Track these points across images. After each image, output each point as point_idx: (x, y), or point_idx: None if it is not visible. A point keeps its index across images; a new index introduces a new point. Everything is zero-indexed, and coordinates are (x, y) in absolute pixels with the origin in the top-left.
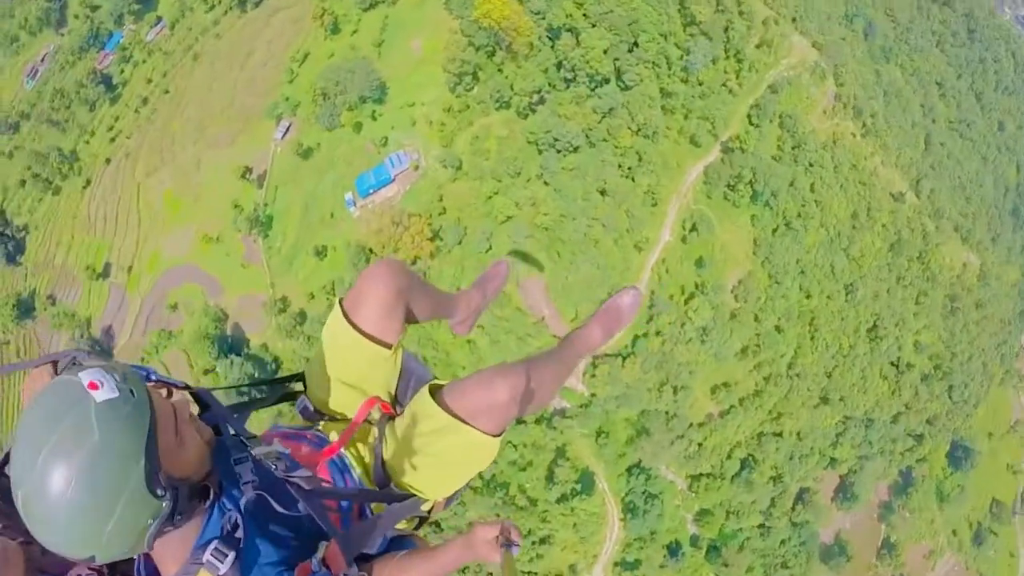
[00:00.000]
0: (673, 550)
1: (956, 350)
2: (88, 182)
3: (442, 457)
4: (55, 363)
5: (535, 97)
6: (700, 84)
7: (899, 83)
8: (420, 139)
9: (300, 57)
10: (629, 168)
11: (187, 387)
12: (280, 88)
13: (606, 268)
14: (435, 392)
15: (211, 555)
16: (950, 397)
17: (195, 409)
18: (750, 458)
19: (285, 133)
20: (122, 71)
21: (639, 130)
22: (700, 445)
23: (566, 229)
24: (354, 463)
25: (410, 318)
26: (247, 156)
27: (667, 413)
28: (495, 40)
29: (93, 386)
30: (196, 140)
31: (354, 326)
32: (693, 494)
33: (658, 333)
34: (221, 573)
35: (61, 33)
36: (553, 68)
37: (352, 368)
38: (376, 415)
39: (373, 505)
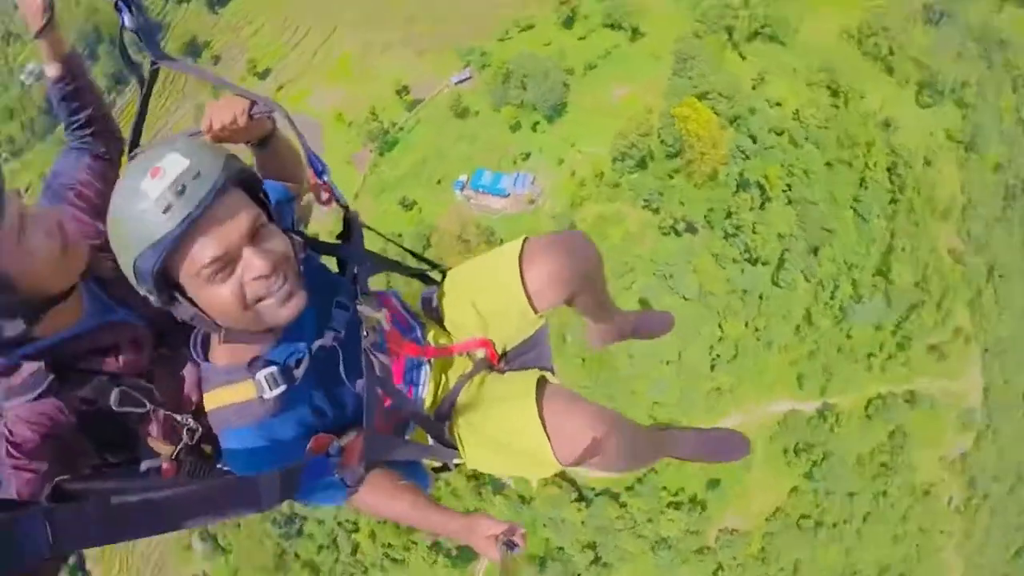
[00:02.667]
0: None
1: None
2: None
3: (502, 443)
4: (253, 103)
5: (684, 223)
6: (847, 336)
7: None
8: (554, 181)
9: (524, 24)
10: (717, 355)
11: (346, 208)
12: (489, 39)
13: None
14: (540, 384)
15: (264, 376)
16: None
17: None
18: None
19: (461, 81)
20: None
21: (756, 330)
22: None
23: (615, 363)
24: (429, 381)
25: (568, 300)
26: (417, 75)
27: None
28: (681, 145)
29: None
30: (400, 28)
31: (521, 272)
32: None
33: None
34: (264, 397)
35: None
36: (720, 211)
37: (493, 303)
38: (479, 355)
39: (415, 430)
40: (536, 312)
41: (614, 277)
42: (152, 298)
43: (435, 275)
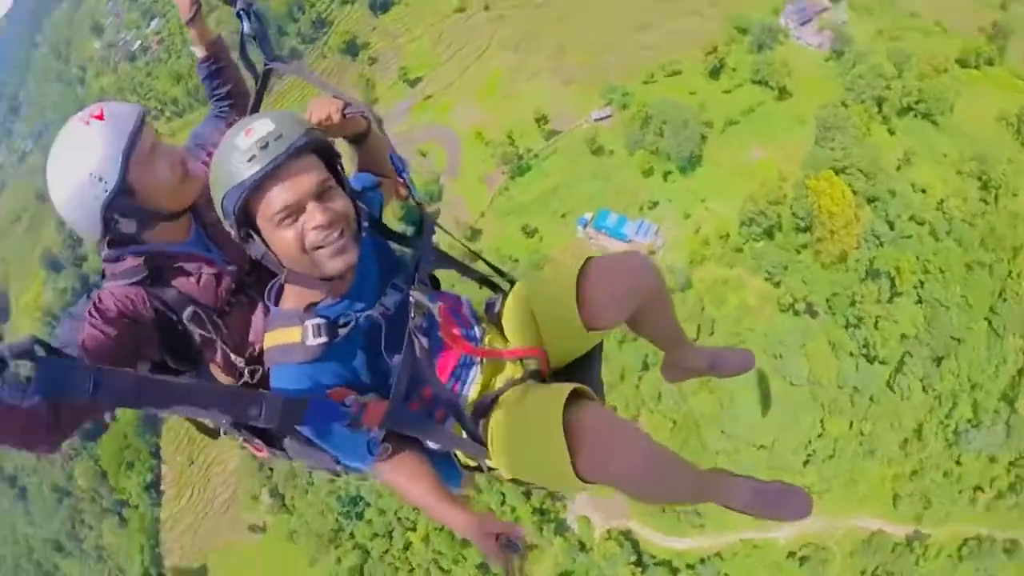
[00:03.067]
0: None
1: None
2: (463, 8)
3: (525, 445)
4: (347, 104)
5: (805, 304)
6: (957, 462)
7: None
8: (677, 234)
9: (670, 69)
10: (813, 451)
11: (420, 204)
12: (634, 79)
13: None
14: (577, 395)
15: (312, 325)
16: None
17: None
18: None
19: (601, 119)
20: None
21: (860, 433)
22: None
23: (706, 435)
24: (477, 382)
25: (633, 324)
26: (559, 105)
27: None
28: (813, 219)
29: (248, 132)
30: (550, 55)
31: (579, 287)
32: None
33: None
34: (306, 343)
35: None
36: (844, 297)
37: (548, 314)
38: (531, 365)
39: (454, 424)
40: (589, 328)
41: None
42: (232, 233)
43: (504, 285)
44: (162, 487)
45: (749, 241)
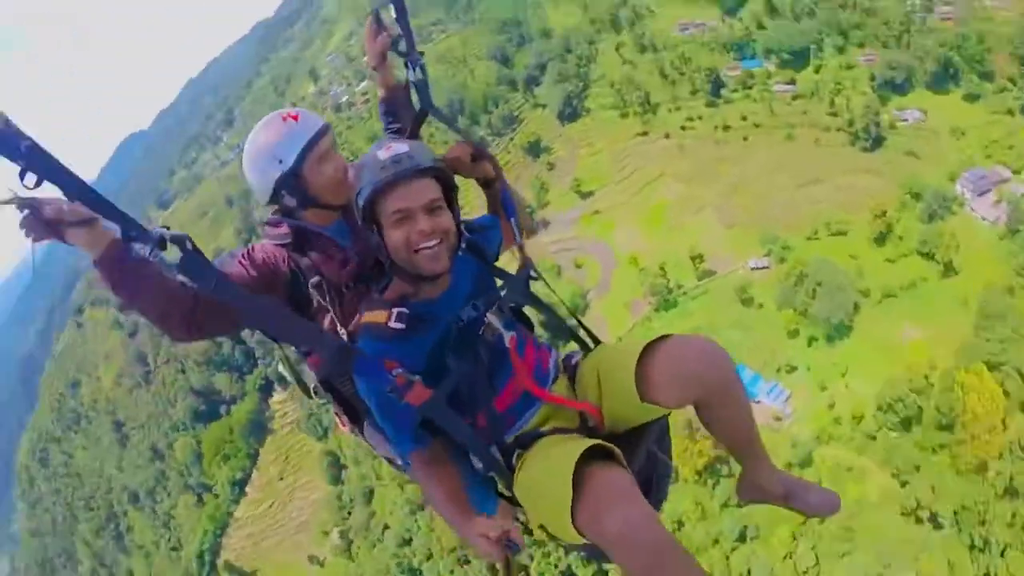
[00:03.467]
0: None
1: None
2: (645, 132)
3: (538, 481)
4: (478, 151)
5: (930, 513)
6: None
7: None
8: (809, 406)
9: (836, 229)
10: None
11: (522, 248)
12: (797, 233)
13: None
14: (604, 454)
15: (396, 312)
16: None
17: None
18: None
19: (757, 268)
20: (735, 91)
21: None
22: None
23: None
24: (533, 421)
25: (704, 417)
26: (717, 246)
27: None
28: (956, 418)
29: (388, 148)
30: (719, 193)
31: (647, 358)
32: None
33: None
34: (387, 325)
35: None
36: (974, 512)
37: (611, 375)
38: (588, 422)
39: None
40: (644, 398)
41: (828, 538)
42: (360, 223)
43: (590, 343)
44: (247, 488)
45: (883, 429)
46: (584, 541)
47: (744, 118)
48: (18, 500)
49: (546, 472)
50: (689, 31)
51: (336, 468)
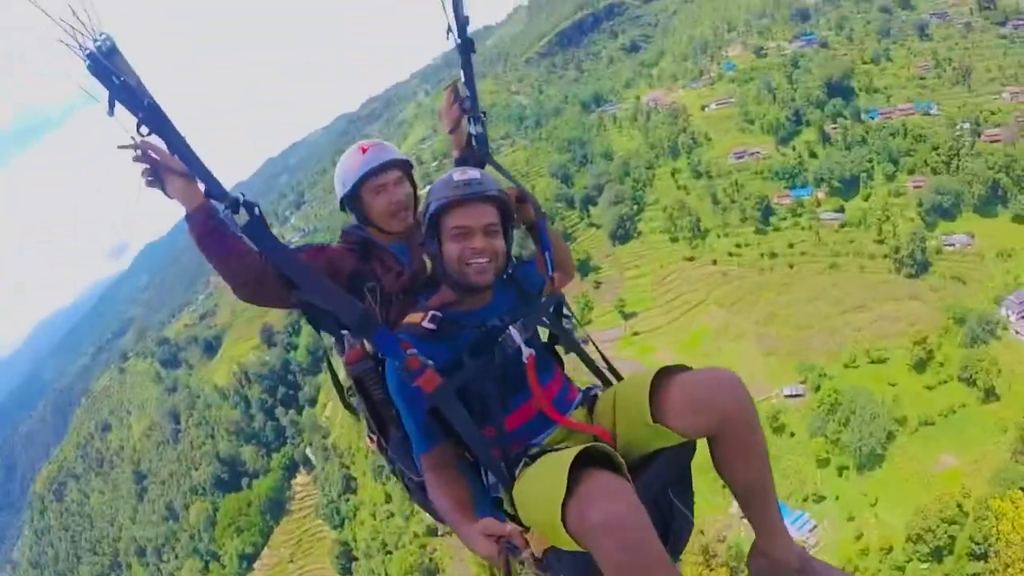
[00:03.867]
0: None
1: None
2: (692, 258)
3: (534, 482)
4: (523, 193)
5: None
6: None
7: None
8: (835, 537)
9: (876, 356)
10: None
11: (553, 283)
12: (836, 360)
13: None
14: (605, 457)
15: (431, 314)
16: None
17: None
18: None
19: (791, 396)
20: (784, 218)
21: None
22: None
23: None
24: (548, 440)
25: (717, 458)
26: (753, 373)
27: None
28: (989, 548)
29: (462, 172)
30: (759, 321)
31: (661, 380)
32: None
33: None
34: (421, 324)
35: None
36: None
37: (626, 399)
38: (601, 448)
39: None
40: (656, 419)
41: None
42: (423, 229)
43: (612, 379)
44: (256, 565)
45: (913, 560)
46: (572, 547)
47: (791, 246)
48: (26, 526)
49: (542, 474)
50: (743, 159)
51: (347, 559)
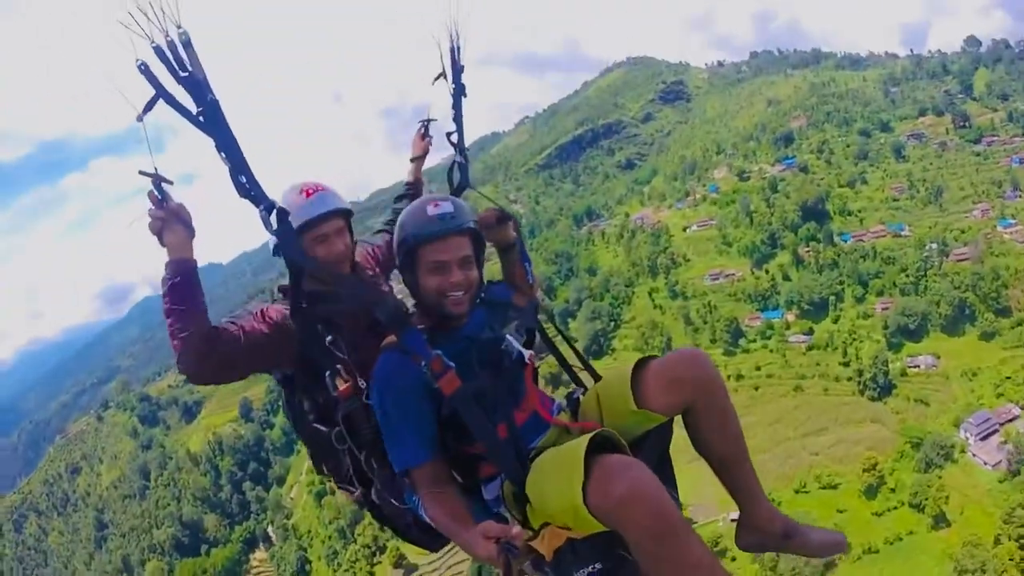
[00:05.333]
0: None
1: None
2: None
3: (549, 470)
4: (503, 214)
5: None
6: None
7: None
8: None
9: (827, 482)
10: None
11: (534, 295)
12: (788, 484)
13: None
14: (611, 443)
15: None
16: None
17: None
18: None
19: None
20: (753, 340)
21: None
22: None
23: None
24: (544, 440)
25: (693, 431)
26: (701, 493)
27: None
28: None
29: (436, 204)
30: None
31: (640, 371)
32: None
33: None
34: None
35: None
36: None
37: (609, 392)
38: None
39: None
40: (639, 405)
41: None
42: (397, 263)
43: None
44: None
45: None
46: (594, 529)
47: (758, 368)
48: None
49: (556, 465)
50: (719, 280)
51: None
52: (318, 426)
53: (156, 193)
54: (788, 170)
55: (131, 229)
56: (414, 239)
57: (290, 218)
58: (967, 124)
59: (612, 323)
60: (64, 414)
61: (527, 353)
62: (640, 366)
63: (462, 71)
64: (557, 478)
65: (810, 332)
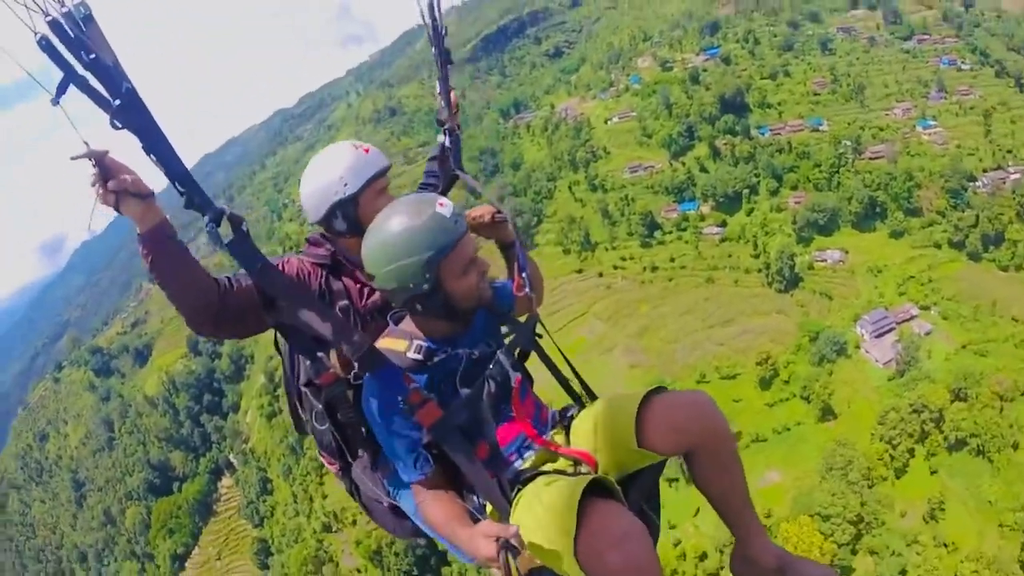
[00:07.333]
0: None
1: None
2: (580, 270)
3: (540, 514)
4: (499, 212)
5: None
6: None
7: None
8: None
9: (727, 372)
10: None
11: (531, 303)
12: (691, 374)
13: None
14: (605, 489)
15: (416, 344)
16: None
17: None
18: None
19: None
20: (669, 232)
21: None
22: None
23: None
24: (530, 461)
25: (697, 474)
26: (614, 386)
27: None
28: None
29: (442, 204)
30: (631, 335)
31: (644, 408)
32: None
33: None
34: (406, 355)
35: None
36: None
37: (608, 423)
38: (583, 469)
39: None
40: (638, 444)
41: None
42: (424, 278)
43: (586, 399)
44: (187, 563)
45: (725, 568)
46: (578, 571)
47: (672, 259)
48: None
49: (548, 505)
50: (638, 173)
51: (265, 554)
52: (306, 391)
53: (99, 172)
54: (711, 60)
55: (90, 221)
56: (447, 247)
57: (358, 170)
58: (898, 20)
59: (535, 219)
60: (22, 382)
61: (514, 376)
62: (645, 398)
63: (446, 34)
64: (548, 519)
65: (724, 224)
